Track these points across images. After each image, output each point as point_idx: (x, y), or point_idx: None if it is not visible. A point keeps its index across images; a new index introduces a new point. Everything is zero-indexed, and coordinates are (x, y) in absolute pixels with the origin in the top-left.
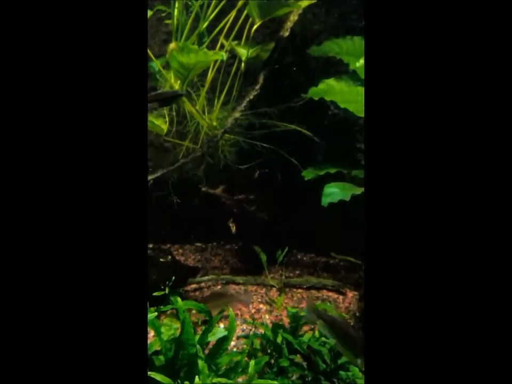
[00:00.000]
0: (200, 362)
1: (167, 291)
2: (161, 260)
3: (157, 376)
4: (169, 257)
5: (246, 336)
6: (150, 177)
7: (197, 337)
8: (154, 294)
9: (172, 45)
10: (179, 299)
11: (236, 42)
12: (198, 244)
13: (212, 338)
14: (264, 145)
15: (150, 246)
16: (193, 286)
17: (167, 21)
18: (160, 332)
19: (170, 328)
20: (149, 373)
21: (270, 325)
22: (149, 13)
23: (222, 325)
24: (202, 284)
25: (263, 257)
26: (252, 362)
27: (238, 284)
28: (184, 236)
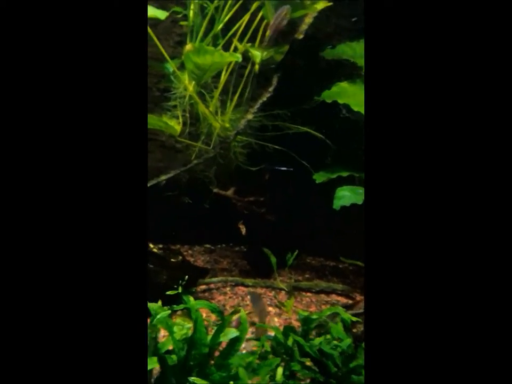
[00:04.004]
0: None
1: (180, 290)
2: (172, 260)
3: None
4: (180, 257)
5: (258, 339)
6: (162, 178)
7: (209, 337)
8: (168, 293)
9: (188, 46)
10: (191, 298)
11: (249, 44)
12: (207, 245)
13: (224, 339)
14: (276, 147)
15: (160, 246)
16: (203, 287)
17: (183, 23)
18: (173, 331)
19: (182, 327)
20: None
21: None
22: (165, 14)
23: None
24: (212, 285)
25: (273, 259)
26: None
27: (247, 286)
28: (194, 236)
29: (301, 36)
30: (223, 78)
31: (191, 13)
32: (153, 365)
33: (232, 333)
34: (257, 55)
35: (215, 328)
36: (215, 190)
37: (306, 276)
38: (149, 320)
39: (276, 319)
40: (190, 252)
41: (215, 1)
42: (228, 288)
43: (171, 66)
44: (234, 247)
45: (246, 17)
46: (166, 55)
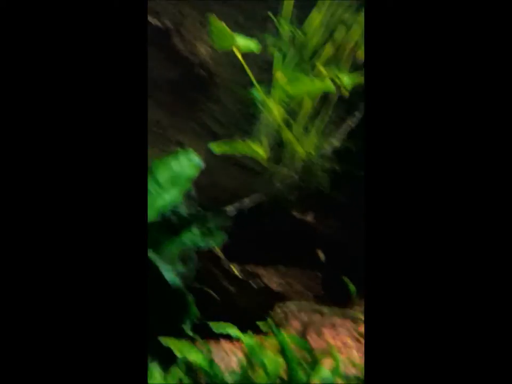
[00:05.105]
0: None
1: (270, 322)
2: (250, 282)
3: None
4: (259, 280)
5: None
6: (246, 201)
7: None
8: (258, 323)
9: (279, 74)
10: (283, 332)
11: (336, 69)
12: (281, 267)
13: (316, 379)
14: (360, 172)
15: (235, 264)
16: (278, 311)
17: (272, 49)
18: (265, 364)
19: (273, 362)
20: None
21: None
22: (258, 46)
23: None
24: (285, 310)
25: (352, 288)
26: None
27: (322, 314)
28: (268, 258)
29: None
30: (308, 102)
31: (281, 41)
32: None
33: (324, 373)
34: (347, 80)
35: (303, 363)
36: (295, 214)
37: None
38: (241, 352)
39: (356, 353)
40: (264, 272)
41: (306, 29)
42: (303, 314)
43: (259, 93)
44: (308, 270)
45: (335, 41)
46: (255, 82)
